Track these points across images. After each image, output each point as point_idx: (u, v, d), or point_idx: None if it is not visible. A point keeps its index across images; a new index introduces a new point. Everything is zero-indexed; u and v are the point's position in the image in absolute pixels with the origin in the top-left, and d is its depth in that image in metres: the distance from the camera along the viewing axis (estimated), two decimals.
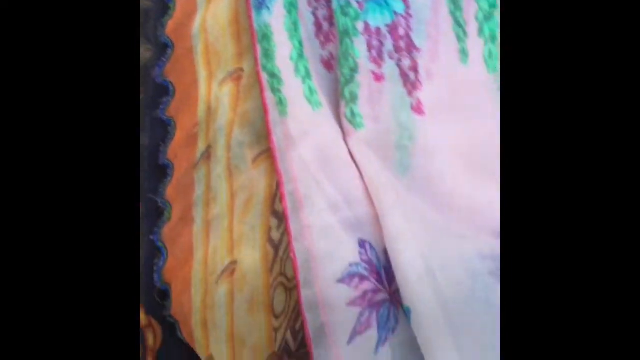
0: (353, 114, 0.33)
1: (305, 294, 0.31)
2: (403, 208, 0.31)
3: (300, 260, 0.31)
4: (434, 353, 0.29)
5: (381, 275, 0.32)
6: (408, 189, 0.33)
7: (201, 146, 0.35)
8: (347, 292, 0.31)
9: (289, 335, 0.33)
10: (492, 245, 0.33)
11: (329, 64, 0.35)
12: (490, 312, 0.30)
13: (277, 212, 0.34)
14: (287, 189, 0.32)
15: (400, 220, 0.31)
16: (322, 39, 0.35)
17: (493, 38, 0.34)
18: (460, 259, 0.31)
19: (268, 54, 0.33)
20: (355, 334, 0.31)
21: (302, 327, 0.32)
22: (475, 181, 0.33)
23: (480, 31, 0.35)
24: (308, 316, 0.31)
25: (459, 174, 0.33)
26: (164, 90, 0.36)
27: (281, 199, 0.32)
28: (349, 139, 0.33)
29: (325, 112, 0.33)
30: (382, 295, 0.31)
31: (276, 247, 0.33)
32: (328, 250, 0.31)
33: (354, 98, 0.33)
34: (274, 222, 0.34)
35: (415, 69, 0.33)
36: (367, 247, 0.32)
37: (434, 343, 0.29)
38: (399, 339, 0.31)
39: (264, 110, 0.33)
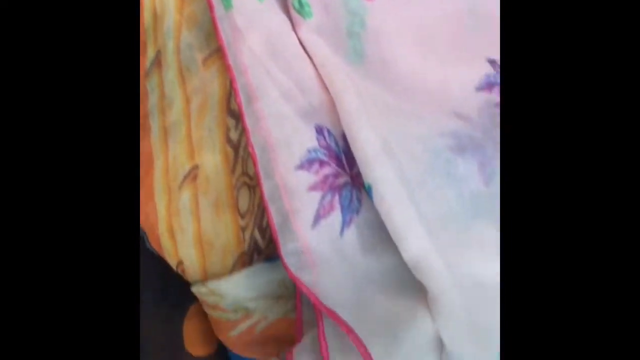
0: (301, 3, 0.32)
1: (266, 185, 0.31)
2: (357, 90, 0.31)
3: (258, 152, 0.31)
4: (396, 224, 0.29)
5: (341, 160, 0.31)
6: (363, 76, 0.32)
7: (150, 53, 0.34)
8: (307, 178, 0.31)
9: (257, 234, 0.33)
10: (450, 124, 0.33)
11: None
12: (451, 185, 0.31)
13: (233, 111, 0.33)
14: (239, 82, 0.31)
15: (355, 101, 0.31)
16: None
17: None
18: (417, 136, 0.31)
19: None
20: (319, 217, 0.30)
21: (269, 222, 0.31)
22: (427, 63, 0.33)
23: None
24: (271, 207, 0.31)
25: (411, 56, 0.33)
26: None
27: (235, 95, 0.32)
28: (299, 29, 0.33)
29: (271, 3, 0.33)
30: (343, 179, 0.31)
31: (236, 147, 0.33)
32: (285, 138, 0.31)
33: None
34: (231, 122, 0.33)
35: None
36: (325, 133, 0.32)
37: (396, 215, 0.29)
38: (364, 219, 0.31)
39: (208, 6, 0.32)
